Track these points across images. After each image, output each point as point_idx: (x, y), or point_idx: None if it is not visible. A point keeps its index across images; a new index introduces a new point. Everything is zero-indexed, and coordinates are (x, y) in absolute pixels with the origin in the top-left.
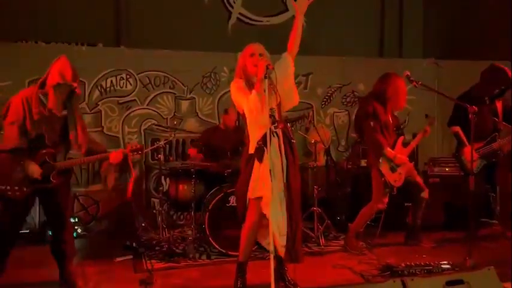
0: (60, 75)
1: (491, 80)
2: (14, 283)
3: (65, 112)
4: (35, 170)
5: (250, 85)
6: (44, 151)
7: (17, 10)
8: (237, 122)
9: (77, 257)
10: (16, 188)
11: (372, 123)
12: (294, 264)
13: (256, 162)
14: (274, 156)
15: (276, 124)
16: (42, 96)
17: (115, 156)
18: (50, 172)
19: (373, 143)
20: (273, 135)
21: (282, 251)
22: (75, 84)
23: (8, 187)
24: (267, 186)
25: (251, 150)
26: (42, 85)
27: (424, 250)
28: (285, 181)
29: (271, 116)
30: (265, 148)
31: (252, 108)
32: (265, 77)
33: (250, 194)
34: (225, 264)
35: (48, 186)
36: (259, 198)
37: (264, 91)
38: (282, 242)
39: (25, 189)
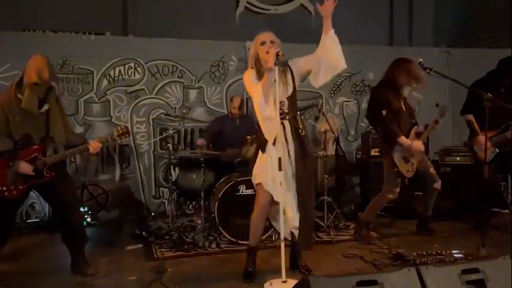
0: (37, 75)
1: (508, 69)
2: (25, 271)
3: (46, 107)
4: (25, 167)
5: (261, 75)
6: (33, 148)
7: None
8: (243, 110)
9: (87, 245)
10: (12, 187)
11: (384, 112)
12: (304, 251)
13: (260, 152)
14: (280, 147)
15: (284, 116)
16: (21, 97)
17: (94, 146)
18: (42, 167)
19: (386, 132)
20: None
21: (295, 233)
22: (54, 84)
23: (4, 188)
24: (267, 174)
25: (259, 140)
26: (20, 85)
27: (435, 239)
28: (293, 171)
29: (280, 108)
30: (267, 140)
31: (256, 100)
32: (276, 65)
33: (254, 180)
34: (235, 253)
35: (43, 181)
36: (261, 184)
37: (274, 81)
38: (295, 224)
39: (21, 187)
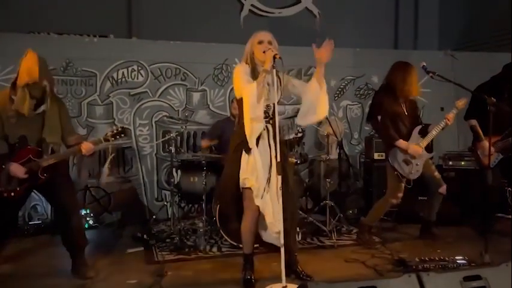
0: (27, 75)
1: None
2: (26, 273)
3: (43, 108)
4: (17, 170)
5: (254, 73)
6: (27, 150)
7: (29, 1)
8: None
9: (88, 247)
10: (10, 189)
11: (379, 117)
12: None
13: (244, 153)
14: (263, 150)
15: (268, 120)
16: (15, 98)
17: (86, 148)
18: (36, 169)
19: (382, 138)
20: (263, 129)
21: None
22: (45, 83)
23: (2, 188)
24: (256, 178)
25: (241, 139)
26: (14, 87)
27: (439, 245)
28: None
29: (266, 111)
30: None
31: (248, 99)
32: (273, 68)
33: (242, 184)
34: (236, 257)
35: (40, 182)
36: (250, 189)
37: (269, 83)
38: (275, 229)
39: (18, 188)
